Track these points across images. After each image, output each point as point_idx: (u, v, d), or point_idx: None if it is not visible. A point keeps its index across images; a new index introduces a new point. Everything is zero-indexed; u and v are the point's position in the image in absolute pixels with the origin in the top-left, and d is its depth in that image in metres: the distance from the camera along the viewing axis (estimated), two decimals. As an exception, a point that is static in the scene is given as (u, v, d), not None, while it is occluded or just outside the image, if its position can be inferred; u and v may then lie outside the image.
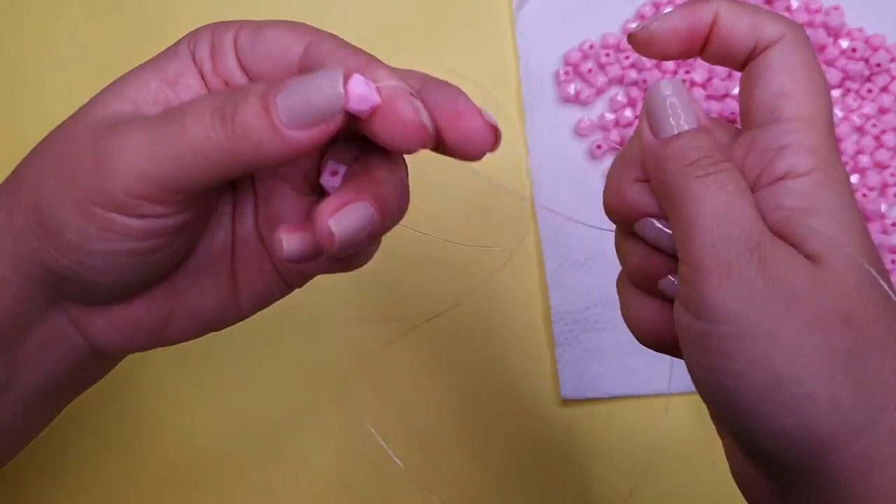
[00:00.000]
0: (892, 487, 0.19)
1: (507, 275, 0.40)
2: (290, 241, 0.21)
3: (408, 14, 0.44)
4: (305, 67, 0.23)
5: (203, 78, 0.24)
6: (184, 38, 0.24)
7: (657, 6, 0.43)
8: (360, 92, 0.20)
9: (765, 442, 0.20)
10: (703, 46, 0.24)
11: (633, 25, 0.24)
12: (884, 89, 0.41)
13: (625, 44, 0.42)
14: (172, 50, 0.24)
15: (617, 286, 0.26)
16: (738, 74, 0.42)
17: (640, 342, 0.25)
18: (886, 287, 0.20)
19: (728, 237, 0.20)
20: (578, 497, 0.38)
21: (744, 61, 0.23)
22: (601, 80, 0.42)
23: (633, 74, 0.42)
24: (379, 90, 0.20)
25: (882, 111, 0.41)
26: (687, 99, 0.22)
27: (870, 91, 0.41)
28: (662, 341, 0.24)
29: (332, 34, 0.24)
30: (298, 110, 0.19)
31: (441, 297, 0.40)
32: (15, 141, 0.42)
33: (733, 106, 0.41)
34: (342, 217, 0.20)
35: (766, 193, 0.21)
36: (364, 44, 0.46)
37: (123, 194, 0.20)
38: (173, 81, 0.23)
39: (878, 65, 0.41)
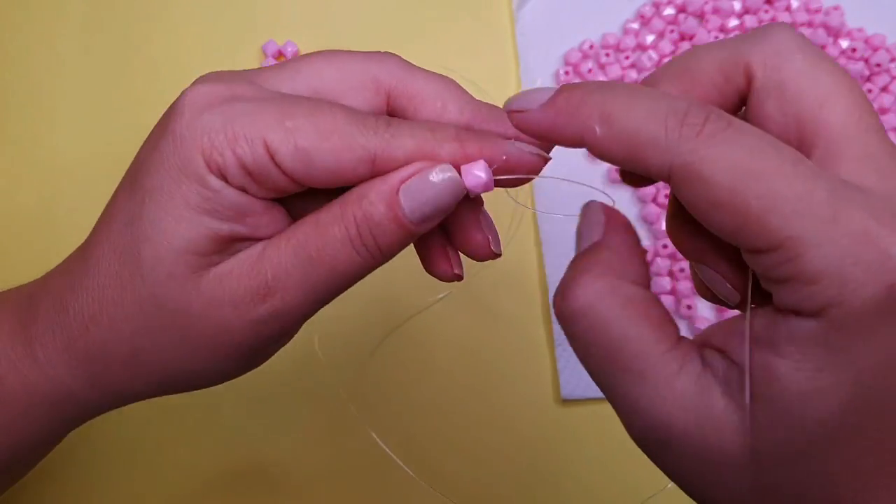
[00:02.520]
0: None
1: (506, 275, 0.40)
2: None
3: (408, 14, 0.44)
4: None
5: None
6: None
7: (657, 6, 0.43)
8: (478, 183, 0.22)
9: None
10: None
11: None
12: (884, 89, 0.41)
13: (625, 43, 0.42)
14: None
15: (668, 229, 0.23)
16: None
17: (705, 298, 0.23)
18: None
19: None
20: (578, 496, 0.38)
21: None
22: (601, 79, 0.42)
23: (633, 74, 0.42)
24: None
25: (882, 111, 0.41)
26: (591, 217, 0.21)
27: (870, 91, 0.41)
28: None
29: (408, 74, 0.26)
30: (427, 214, 0.22)
31: (438, 295, 0.40)
32: (16, 141, 0.42)
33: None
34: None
35: None
36: (364, 44, 0.46)
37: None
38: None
39: (878, 65, 0.41)
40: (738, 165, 0.17)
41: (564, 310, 0.20)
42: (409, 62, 0.26)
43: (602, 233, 0.21)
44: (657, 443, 0.19)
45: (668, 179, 0.18)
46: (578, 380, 0.39)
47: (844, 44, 0.41)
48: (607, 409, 0.38)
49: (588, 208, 0.22)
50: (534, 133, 0.21)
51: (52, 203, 0.41)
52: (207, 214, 0.22)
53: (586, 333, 0.20)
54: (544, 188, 0.41)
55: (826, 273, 0.16)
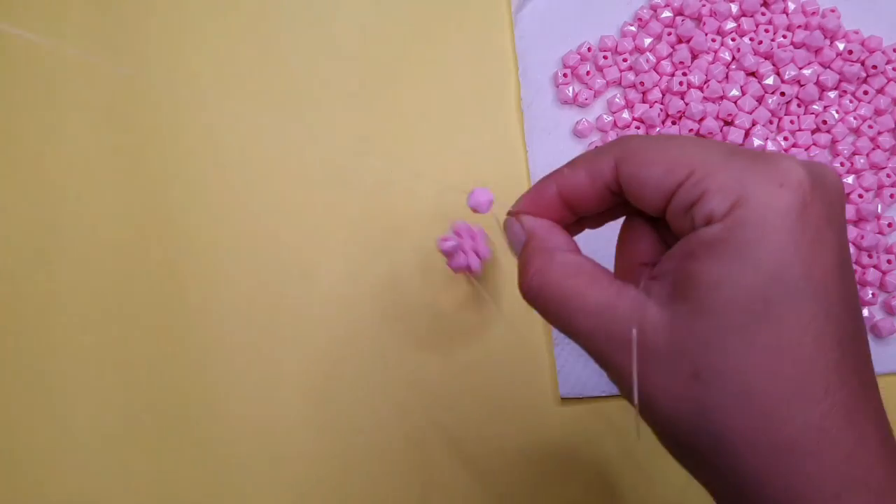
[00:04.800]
0: None
1: (506, 274, 0.40)
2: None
3: (408, 16, 0.44)
4: None
5: None
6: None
7: (654, 9, 0.43)
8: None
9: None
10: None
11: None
12: (880, 91, 0.42)
13: (622, 46, 0.43)
14: None
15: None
16: (735, 76, 0.43)
17: None
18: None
19: (586, 346, 0.24)
20: (577, 496, 0.38)
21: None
22: (599, 82, 0.42)
23: (630, 77, 0.42)
24: None
25: (878, 113, 0.42)
26: (512, 225, 0.27)
27: (866, 93, 0.42)
28: None
29: None
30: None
31: (438, 295, 0.40)
32: (15, 141, 0.43)
33: (730, 108, 0.41)
34: None
35: (681, 244, 0.23)
36: (365, 46, 0.46)
37: None
38: None
39: (875, 67, 0.41)
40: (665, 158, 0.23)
41: (527, 294, 0.25)
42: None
43: (524, 234, 0.26)
44: (613, 355, 0.23)
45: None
46: (577, 379, 0.39)
47: (841, 46, 0.42)
48: (606, 407, 0.38)
49: (508, 225, 0.27)
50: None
51: (53, 205, 0.42)
52: None
53: (546, 302, 0.24)
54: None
55: (729, 182, 0.21)
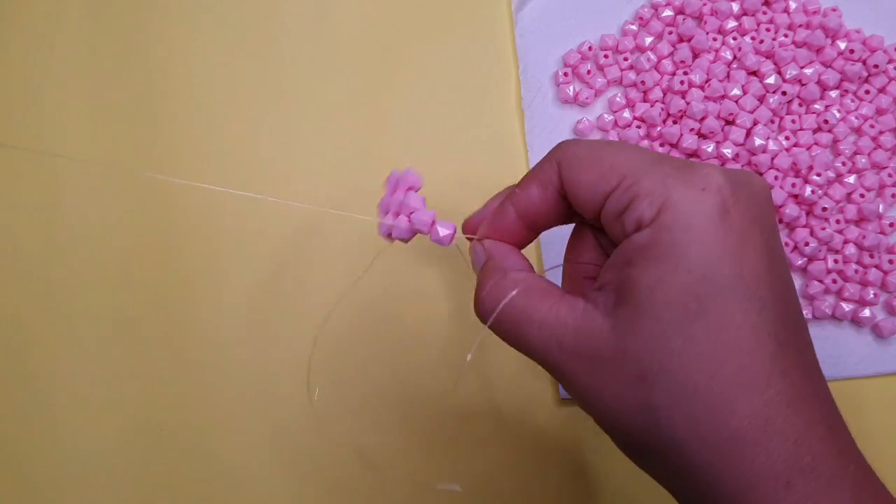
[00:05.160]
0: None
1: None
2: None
3: (408, 15, 0.44)
4: None
5: None
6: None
7: (655, 8, 0.43)
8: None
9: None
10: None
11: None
12: (881, 90, 0.41)
13: (623, 45, 0.43)
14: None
15: None
16: (737, 75, 0.42)
17: None
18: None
19: (536, 357, 0.25)
20: (577, 495, 0.38)
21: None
22: (600, 81, 0.42)
23: (631, 76, 0.42)
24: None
25: (880, 112, 0.41)
26: (476, 249, 0.28)
27: (867, 92, 0.41)
28: None
29: None
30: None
31: (439, 297, 0.40)
32: (15, 142, 0.42)
33: (731, 107, 0.41)
34: None
35: (618, 250, 0.24)
36: (364, 45, 0.46)
37: None
38: None
39: (876, 66, 0.41)
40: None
41: (481, 306, 0.26)
42: None
43: (484, 255, 0.27)
44: (566, 364, 0.24)
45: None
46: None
47: (842, 45, 0.42)
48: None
49: (472, 249, 0.29)
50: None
51: (53, 204, 0.42)
52: None
53: (500, 316, 0.25)
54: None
55: (655, 187, 0.22)
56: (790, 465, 0.21)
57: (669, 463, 0.22)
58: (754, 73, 0.42)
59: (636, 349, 0.22)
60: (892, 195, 0.40)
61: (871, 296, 0.39)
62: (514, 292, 0.25)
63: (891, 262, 0.40)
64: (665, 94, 0.42)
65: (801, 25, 0.42)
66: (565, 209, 0.26)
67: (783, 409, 0.21)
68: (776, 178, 0.40)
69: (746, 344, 0.21)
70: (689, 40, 0.42)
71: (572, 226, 0.28)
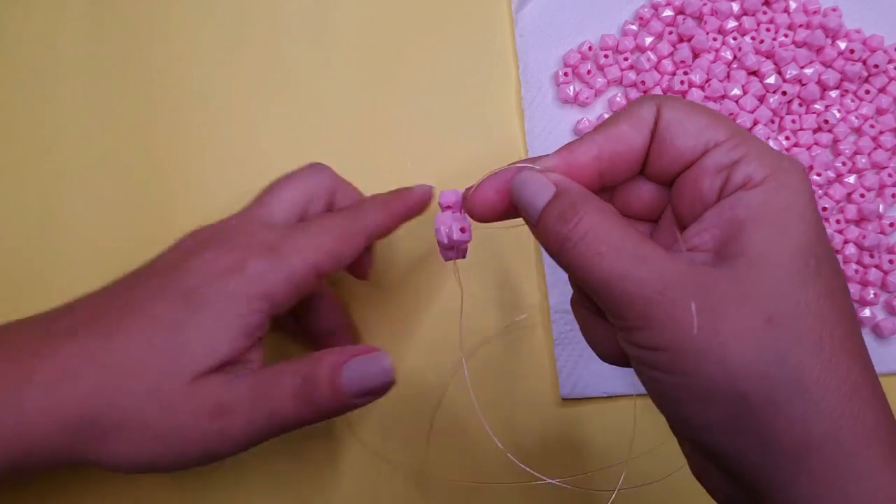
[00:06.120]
0: (829, 466, 0.21)
1: (506, 275, 0.40)
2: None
3: (408, 15, 0.44)
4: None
5: None
6: None
7: (655, 8, 0.43)
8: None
9: (708, 436, 0.22)
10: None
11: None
12: (881, 90, 0.41)
13: (623, 45, 0.43)
14: None
15: (572, 308, 0.28)
16: (737, 75, 0.42)
17: (601, 359, 0.27)
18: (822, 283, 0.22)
19: (631, 293, 0.22)
20: (577, 495, 0.38)
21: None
22: (600, 81, 0.42)
23: (631, 76, 0.42)
24: None
25: (880, 112, 0.41)
26: (534, 178, 0.25)
27: (867, 92, 0.41)
28: (619, 358, 0.26)
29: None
30: (362, 391, 0.28)
31: (438, 295, 0.40)
32: (16, 142, 0.42)
33: (731, 107, 0.41)
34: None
35: (723, 205, 0.23)
36: (365, 45, 0.46)
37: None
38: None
39: (876, 66, 0.41)
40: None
41: (570, 238, 0.23)
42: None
43: (552, 188, 0.24)
44: (668, 302, 0.22)
45: None
46: (577, 379, 0.39)
47: (842, 45, 0.42)
48: (606, 408, 0.38)
49: (525, 179, 0.25)
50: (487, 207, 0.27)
51: (53, 203, 0.42)
52: (245, 336, 0.27)
53: (593, 252, 0.23)
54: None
55: (765, 155, 0.23)
56: (890, 436, 0.22)
57: (786, 413, 0.21)
58: (754, 73, 0.42)
59: (761, 293, 0.21)
60: (892, 195, 0.40)
61: (871, 296, 0.39)
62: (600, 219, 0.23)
63: (891, 262, 0.40)
64: (665, 93, 0.42)
65: (801, 25, 0.42)
66: (644, 159, 0.25)
67: (872, 381, 0.22)
68: (776, 178, 0.40)
69: (847, 313, 0.22)
70: (689, 40, 0.42)
71: None
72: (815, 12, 0.42)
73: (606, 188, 0.26)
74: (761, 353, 0.21)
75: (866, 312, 0.39)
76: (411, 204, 0.35)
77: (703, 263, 0.23)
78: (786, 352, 0.21)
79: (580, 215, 0.23)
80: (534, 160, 0.25)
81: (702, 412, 0.22)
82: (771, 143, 0.41)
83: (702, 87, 0.41)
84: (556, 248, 0.24)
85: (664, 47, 0.42)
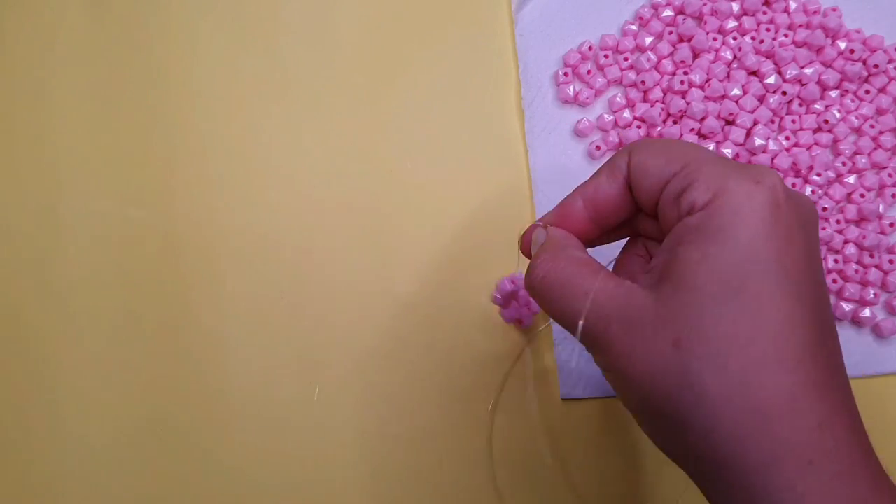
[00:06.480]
0: (737, 485, 0.22)
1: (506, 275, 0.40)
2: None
3: (408, 16, 0.44)
4: None
5: None
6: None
7: (655, 8, 0.43)
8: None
9: (654, 440, 0.25)
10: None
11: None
12: (881, 90, 0.41)
13: (623, 45, 0.43)
14: None
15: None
16: (737, 75, 0.42)
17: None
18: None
19: (575, 324, 0.25)
20: (577, 496, 0.38)
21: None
22: (600, 81, 0.42)
23: (631, 76, 0.42)
24: None
25: (880, 112, 0.41)
26: (537, 235, 0.29)
27: (867, 92, 0.41)
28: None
29: None
30: None
31: (437, 295, 0.40)
32: (16, 142, 0.42)
33: (731, 107, 0.41)
34: None
35: (672, 232, 0.25)
36: (365, 45, 0.46)
37: None
38: None
39: (876, 66, 0.41)
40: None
41: (533, 279, 0.27)
42: None
43: (545, 236, 0.29)
44: (602, 329, 0.25)
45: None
46: (577, 379, 0.39)
47: (842, 45, 0.42)
48: (606, 408, 0.38)
49: (534, 233, 0.30)
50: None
51: (53, 203, 0.42)
52: None
53: (550, 286, 0.26)
54: (544, 189, 0.41)
55: (713, 176, 0.24)
56: (813, 445, 0.22)
57: (694, 430, 0.23)
58: (754, 73, 0.42)
59: (674, 316, 0.23)
60: (892, 195, 0.40)
61: (871, 296, 0.39)
62: (563, 263, 0.27)
63: (891, 262, 0.40)
64: (665, 94, 0.42)
65: (801, 25, 0.42)
66: (629, 203, 0.28)
67: (810, 392, 0.22)
68: (776, 178, 0.40)
69: (780, 326, 0.22)
70: (689, 40, 0.42)
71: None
72: (815, 12, 0.42)
73: (608, 229, 0.29)
74: (666, 375, 0.23)
75: (866, 312, 0.39)
76: None
77: (645, 287, 0.25)
78: (689, 373, 0.22)
79: (537, 264, 0.27)
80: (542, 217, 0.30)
81: (641, 423, 0.25)
82: (771, 143, 0.41)
83: (702, 87, 0.41)
84: (531, 294, 0.28)
85: (664, 47, 0.42)
